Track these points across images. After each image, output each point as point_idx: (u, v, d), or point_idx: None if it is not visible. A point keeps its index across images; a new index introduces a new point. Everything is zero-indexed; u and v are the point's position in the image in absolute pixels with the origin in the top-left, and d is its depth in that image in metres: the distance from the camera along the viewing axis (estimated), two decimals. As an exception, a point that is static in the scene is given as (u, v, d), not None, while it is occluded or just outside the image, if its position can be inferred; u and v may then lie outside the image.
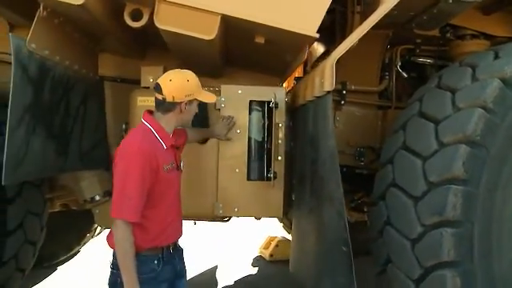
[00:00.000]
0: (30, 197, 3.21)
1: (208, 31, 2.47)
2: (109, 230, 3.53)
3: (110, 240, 2.24)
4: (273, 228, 6.12)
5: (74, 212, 4.49)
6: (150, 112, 2.37)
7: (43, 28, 2.57)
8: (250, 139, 3.04)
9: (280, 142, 3.01)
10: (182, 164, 2.47)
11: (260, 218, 3.71)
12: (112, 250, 2.25)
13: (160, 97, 2.27)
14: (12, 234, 3.04)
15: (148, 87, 3.11)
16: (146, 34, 3.16)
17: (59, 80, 2.80)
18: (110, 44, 3.43)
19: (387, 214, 2.66)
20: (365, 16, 3.02)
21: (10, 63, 3.38)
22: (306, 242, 2.99)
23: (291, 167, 3.23)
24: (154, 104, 2.92)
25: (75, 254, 5.13)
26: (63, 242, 4.72)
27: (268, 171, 3.01)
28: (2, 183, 2.30)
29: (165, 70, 3.13)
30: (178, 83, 2.28)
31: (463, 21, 3.21)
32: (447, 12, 2.73)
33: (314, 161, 2.77)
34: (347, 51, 2.63)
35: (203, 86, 2.99)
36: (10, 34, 2.34)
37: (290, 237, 5.97)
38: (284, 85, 3.92)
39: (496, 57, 2.60)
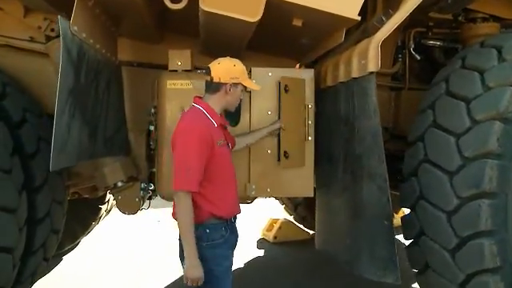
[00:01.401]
0: (55, 185, 3.14)
1: (252, 13, 2.51)
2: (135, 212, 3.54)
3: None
4: (274, 210, 6.23)
5: (78, 200, 4.44)
6: (199, 97, 2.57)
7: (82, 10, 2.52)
8: (280, 121, 3.11)
9: (310, 122, 3.08)
10: (230, 145, 2.65)
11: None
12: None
13: (208, 78, 2.50)
14: (41, 222, 2.98)
15: (176, 70, 3.10)
16: (168, 17, 3.16)
17: (92, 64, 2.75)
18: (127, 28, 3.39)
19: (420, 189, 2.80)
20: (386, 1, 3.13)
21: (22, 49, 3.40)
22: (338, 219, 3.09)
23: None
24: (183, 87, 3.01)
25: (78, 244, 5.07)
26: (69, 231, 4.62)
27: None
28: (50, 169, 2.26)
29: (192, 54, 3.15)
30: (225, 66, 2.51)
31: (475, 4, 3.35)
32: (473, -4, 2.87)
33: (348, 140, 2.86)
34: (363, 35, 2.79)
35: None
36: (59, 16, 2.28)
37: (292, 218, 6.12)
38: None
39: (519, 38, 2.76)
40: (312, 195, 3.13)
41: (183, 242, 2.33)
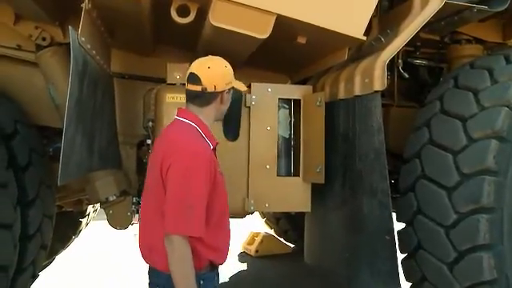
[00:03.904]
0: (46, 199, 3.03)
1: (262, 30, 2.53)
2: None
3: (154, 257, 2.01)
4: (253, 224, 6.21)
5: (59, 214, 4.28)
6: (184, 109, 2.16)
7: (88, 21, 2.47)
8: (279, 136, 3.13)
9: None
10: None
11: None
12: (150, 267, 2.08)
13: (198, 88, 2.02)
14: (32, 238, 2.86)
15: (174, 84, 3.07)
16: (163, 29, 3.13)
17: (92, 75, 2.69)
18: (120, 39, 3.34)
19: (417, 204, 2.88)
20: (381, 21, 3.23)
21: (8, 57, 3.28)
22: (334, 233, 3.13)
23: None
24: (182, 101, 2.90)
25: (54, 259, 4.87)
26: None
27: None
28: (58, 183, 2.18)
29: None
30: (219, 70, 2.08)
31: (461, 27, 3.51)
32: (466, 19, 3.00)
33: (347, 156, 2.92)
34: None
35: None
36: (70, 27, 2.22)
37: (272, 232, 6.13)
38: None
39: (508, 61, 2.91)
40: (309, 210, 3.15)
41: None
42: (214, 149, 2.14)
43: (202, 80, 2.02)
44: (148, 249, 2.04)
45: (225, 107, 2.18)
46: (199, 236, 1.89)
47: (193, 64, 2.10)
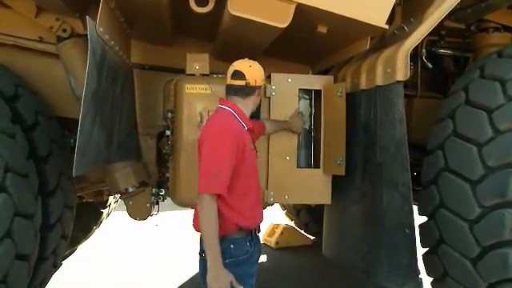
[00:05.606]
0: (66, 189, 3.07)
1: (281, 19, 2.49)
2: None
3: (197, 223, 2.29)
4: (273, 216, 6.20)
5: (80, 204, 4.33)
6: (225, 99, 2.51)
7: (106, 11, 2.46)
8: (299, 127, 3.10)
9: None
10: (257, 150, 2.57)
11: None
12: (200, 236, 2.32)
13: (242, 82, 2.42)
14: (53, 228, 2.91)
15: (193, 74, 3.05)
16: (183, 19, 3.12)
17: (111, 66, 2.69)
18: (140, 30, 3.33)
19: (440, 198, 2.80)
20: (404, 9, 3.14)
21: (30, 49, 3.31)
22: (353, 226, 3.08)
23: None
24: (201, 92, 2.94)
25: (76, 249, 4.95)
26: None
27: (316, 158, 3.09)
28: (73, 174, 2.18)
29: (210, 58, 3.11)
30: (258, 69, 2.48)
31: (488, 14, 3.38)
32: (494, 6, 2.89)
33: (368, 147, 2.86)
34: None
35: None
36: (87, 17, 2.21)
37: (292, 224, 6.11)
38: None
39: (537, 49, 2.80)
40: (330, 202, 3.10)
41: (207, 249, 2.15)
42: (250, 130, 2.49)
43: (246, 75, 2.42)
44: (196, 217, 2.33)
45: (259, 100, 2.61)
46: (223, 194, 2.21)
47: (234, 64, 2.47)
